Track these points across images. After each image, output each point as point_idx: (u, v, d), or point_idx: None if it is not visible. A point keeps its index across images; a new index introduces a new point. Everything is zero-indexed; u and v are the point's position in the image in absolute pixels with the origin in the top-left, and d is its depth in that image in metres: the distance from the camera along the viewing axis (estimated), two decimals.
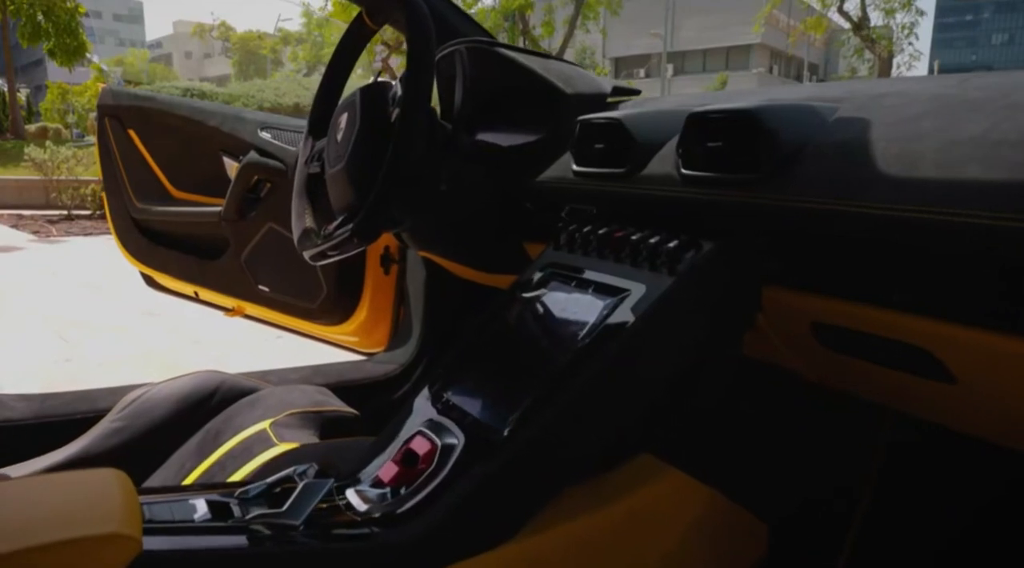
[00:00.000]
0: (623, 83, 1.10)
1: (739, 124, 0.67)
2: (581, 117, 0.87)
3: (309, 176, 1.03)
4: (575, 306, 0.75)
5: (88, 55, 16.60)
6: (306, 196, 1.02)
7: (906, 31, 21.10)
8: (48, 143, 9.42)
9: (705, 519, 0.81)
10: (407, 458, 0.67)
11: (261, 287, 1.54)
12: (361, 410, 1.10)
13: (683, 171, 0.73)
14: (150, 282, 1.72)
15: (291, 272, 1.49)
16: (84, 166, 8.86)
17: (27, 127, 17.11)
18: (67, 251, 6.53)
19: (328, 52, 30.20)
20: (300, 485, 0.61)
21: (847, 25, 20.48)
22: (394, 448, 0.70)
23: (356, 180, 0.88)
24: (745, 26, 30.83)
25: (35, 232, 7.61)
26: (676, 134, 0.77)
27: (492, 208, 1.02)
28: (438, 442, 0.67)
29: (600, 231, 0.80)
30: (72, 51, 15.52)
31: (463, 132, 0.96)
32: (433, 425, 0.70)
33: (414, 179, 0.85)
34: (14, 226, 7.92)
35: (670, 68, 32.24)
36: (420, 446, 0.67)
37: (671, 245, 0.71)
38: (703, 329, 0.72)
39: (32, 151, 8.78)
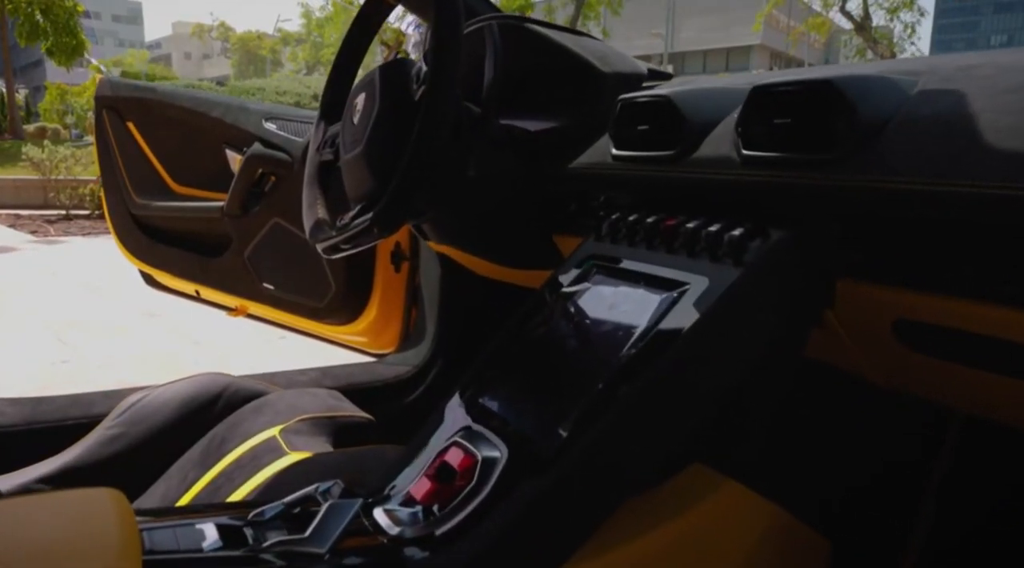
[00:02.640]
0: (657, 67, 1.03)
1: (813, 97, 0.60)
2: (622, 96, 0.80)
3: (321, 163, 0.95)
4: (625, 301, 0.67)
5: (86, 55, 16.56)
6: (318, 185, 0.94)
7: (908, 31, 21.10)
8: (46, 143, 9.37)
9: (767, 536, 0.74)
10: (442, 473, 0.59)
11: (265, 285, 1.48)
12: (373, 414, 1.03)
13: (744, 152, 0.66)
14: (150, 281, 1.66)
15: (297, 269, 1.43)
16: (82, 166, 8.80)
17: (26, 127, 17.11)
18: (66, 251, 6.47)
19: (327, 53, 30.21)
20: (324, 506, 0.53)
21: (847, 25, 20.47)
22: (426, 460, 0.62)
23: (376, 166, 0.81)
24: (745, 27, 30.89)
25: (33, 232, 7.54)
26: (731, 113, 0.70)
27: (522, 197, 0.94)
28: (478, 455, 0.59)
29: (648, 219, 0.72)
30: (71, 50, 15.50)
31: (493, 114, 0.88)
32: (470, 435, 0.62)
33: (440, 164, 0.78)
34: (12, 226, 7.86)
35: (670, 69, 32.21)
36: (456, 459, 0.60)
37: (735, 233, 0.63)
38: (773, 327, 0.65)
39: (30, 151, 8.72)
